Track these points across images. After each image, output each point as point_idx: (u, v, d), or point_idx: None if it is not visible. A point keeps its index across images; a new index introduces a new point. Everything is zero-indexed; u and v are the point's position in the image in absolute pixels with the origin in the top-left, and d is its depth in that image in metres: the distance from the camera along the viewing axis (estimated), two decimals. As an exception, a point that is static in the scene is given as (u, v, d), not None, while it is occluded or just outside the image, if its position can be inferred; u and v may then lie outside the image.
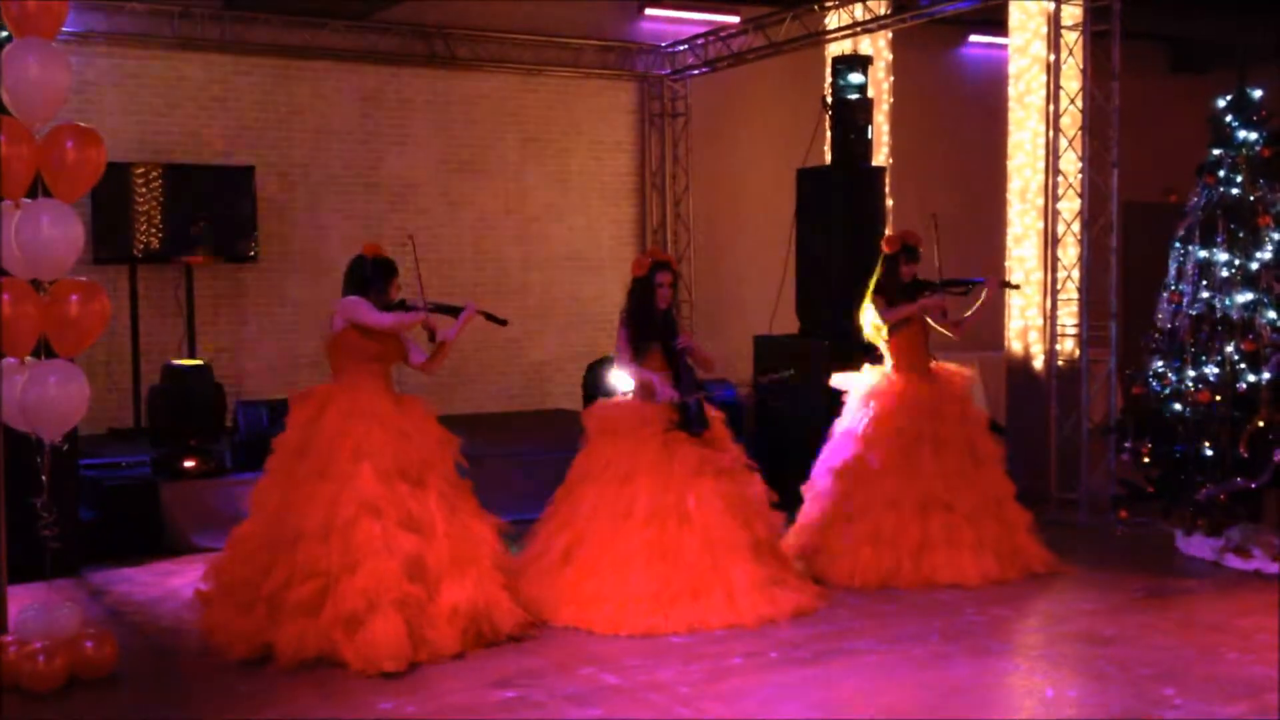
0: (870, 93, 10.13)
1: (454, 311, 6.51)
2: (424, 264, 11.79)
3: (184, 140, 11.07)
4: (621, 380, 6.93)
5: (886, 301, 7.58)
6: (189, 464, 8.63)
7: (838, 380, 7.95)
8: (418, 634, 5.85)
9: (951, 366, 7.86)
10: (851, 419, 7.68)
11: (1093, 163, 9.21)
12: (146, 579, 7.65)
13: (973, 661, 5.99)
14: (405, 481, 6.05)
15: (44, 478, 5.81)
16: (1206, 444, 7.89)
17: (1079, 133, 9.20)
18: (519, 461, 9.53)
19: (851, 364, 8.00)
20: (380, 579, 5.82)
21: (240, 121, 11.33)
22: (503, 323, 6.74)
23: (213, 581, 6.29)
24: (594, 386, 9.94)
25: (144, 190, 10.48)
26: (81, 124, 5.98)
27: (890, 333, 7.62)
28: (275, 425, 7.00)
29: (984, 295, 7.72)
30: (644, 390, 6.78)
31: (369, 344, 6.27)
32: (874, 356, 7.78)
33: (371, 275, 6.37)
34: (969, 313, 7.76)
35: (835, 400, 7.88)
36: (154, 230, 10.54)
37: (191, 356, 10.55)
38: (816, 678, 5.74)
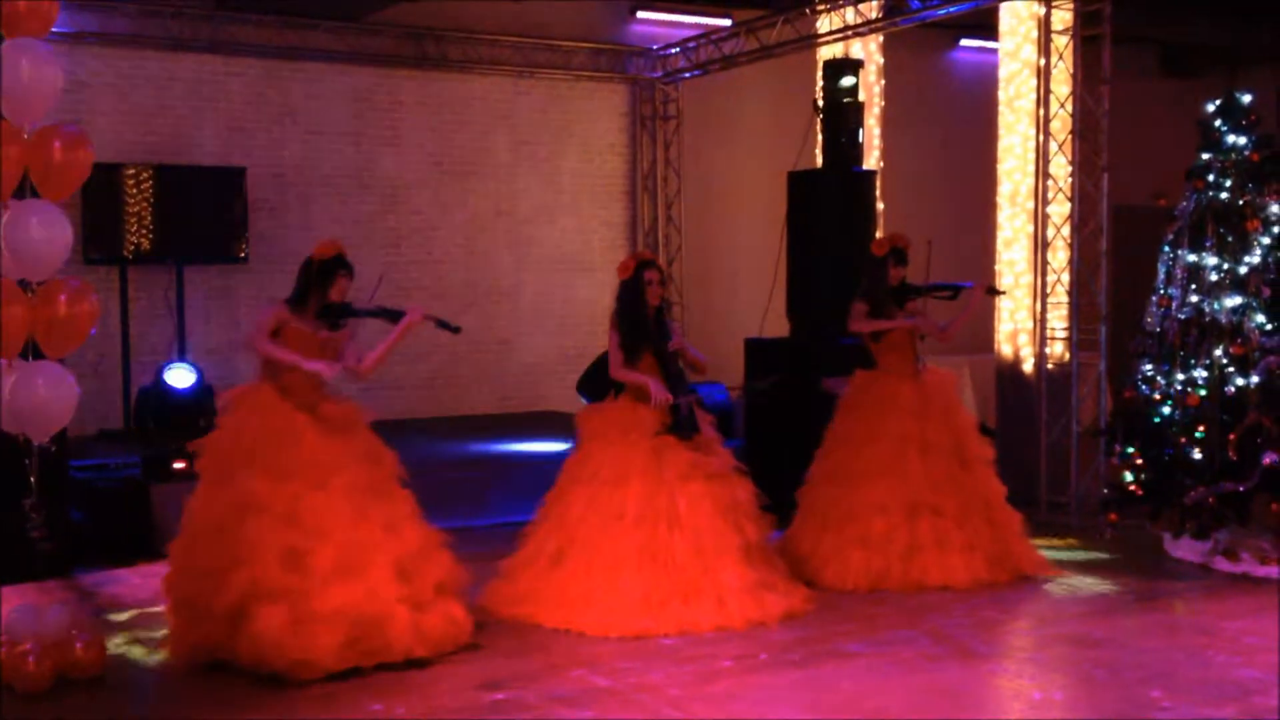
0: (861, 96, 10.15)
1: (396, 316, 6.22)
2: (415, 265, 12.05)
3: (175, 141, 11.06)
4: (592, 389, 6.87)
5: (871, 305, 7.59)
6: (179, 465, 8.62)
7: (828, 384, 7.99)
8: (302, 633, 5.66)
9: (939, 369, 7.87)
10: (840, 423, 7.70)
11: (1083, 167, 9.23)
12: (136, 580, 7.63)
13: (962, 664, 6.01)
14: (301, 481, 5.90)
15: (33, 479, 5.80)
16: (1195, 447, 7.91)
17: (1069, 137, 9.22)
18: (510, 463, 9.54)
19: (843, 367, 8.01)
20: (261, 571, 5.72)
21: (232, 122, 11.33)
22: (455, 330, 6.33)
23: (168, 597, 6.23)
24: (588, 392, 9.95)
25: (135, 191, 10.47)
26: (70, 124, 5.98)
27: (876, 336, 7.64)
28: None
29: (970, 300, 7.73)
30: (637, 392, 6.79)
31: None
32: (864, 360, 7.80)
33: (314, 277, 6.21)
34: (953, 319, 7.75)
35: (826, 403, 7.89)
36: (144, 231, 10.54)
37: (182, 357, 10.55)
38: (806, 680, 5.75)
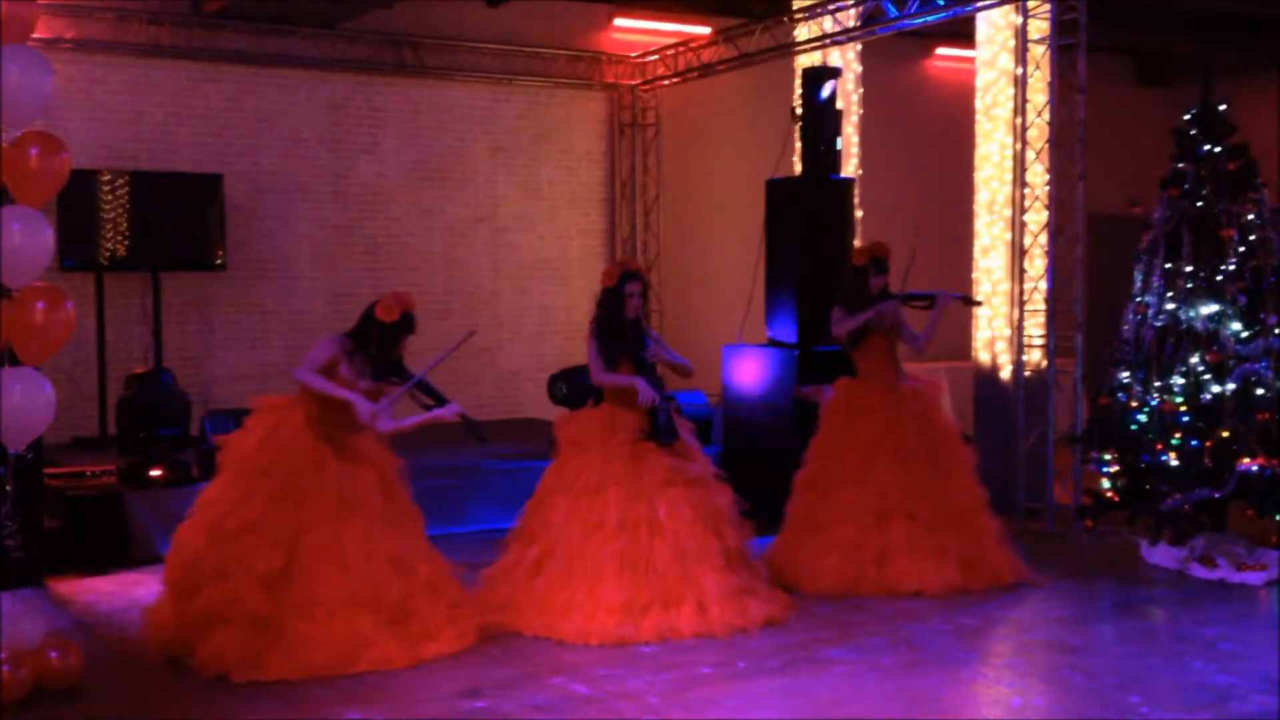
0: (839, 104, 10.17)
1: (438, 404, 6.34)
2: (393, 273, 12.03)
3: (151, 147, 11.01)
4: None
5: (847, 312, 7.62)
6: (155, 473, 8.57)
7: (804, 392, 8.01)
8: (267, 654, 5.81)
9: (922, 377, 7.90)
10: (820, 431, 7.72)
11: (1059, 175, 9.28)
12: (111, 589, 7.58)
13: (940, 670, 6.02)
14: (313, 510, 6.01)
15: (7, 487, 5.76)
16: (1171, 454, 7.95)
17: (1046, 145, 9.27)
18: (489, 471, 9.51)
19: (820, 374, 8.03)
20: (238, 590, 5.88)
21: (208, 129, 11.27)
22: (481, 438, 6.35)
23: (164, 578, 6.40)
24: (565, 394, 9.93)
25: (111, 198, 10.41)
26: (46, 130, 5.94)
27: (854, 344, 7.67)
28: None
29: (944, 310, 7.75)
30: (617, 399, 6.78)
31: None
32: (846, 369, 7.82)
33: (379, 337, 6.25)
34: (927, 330, 7.77)
35: (804, 410, 7.90)
36: (120, 238, 10.48)
37: (158, 364, 10.49)
38: (785, 687, 5.76)
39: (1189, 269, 8.11)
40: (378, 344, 6.25)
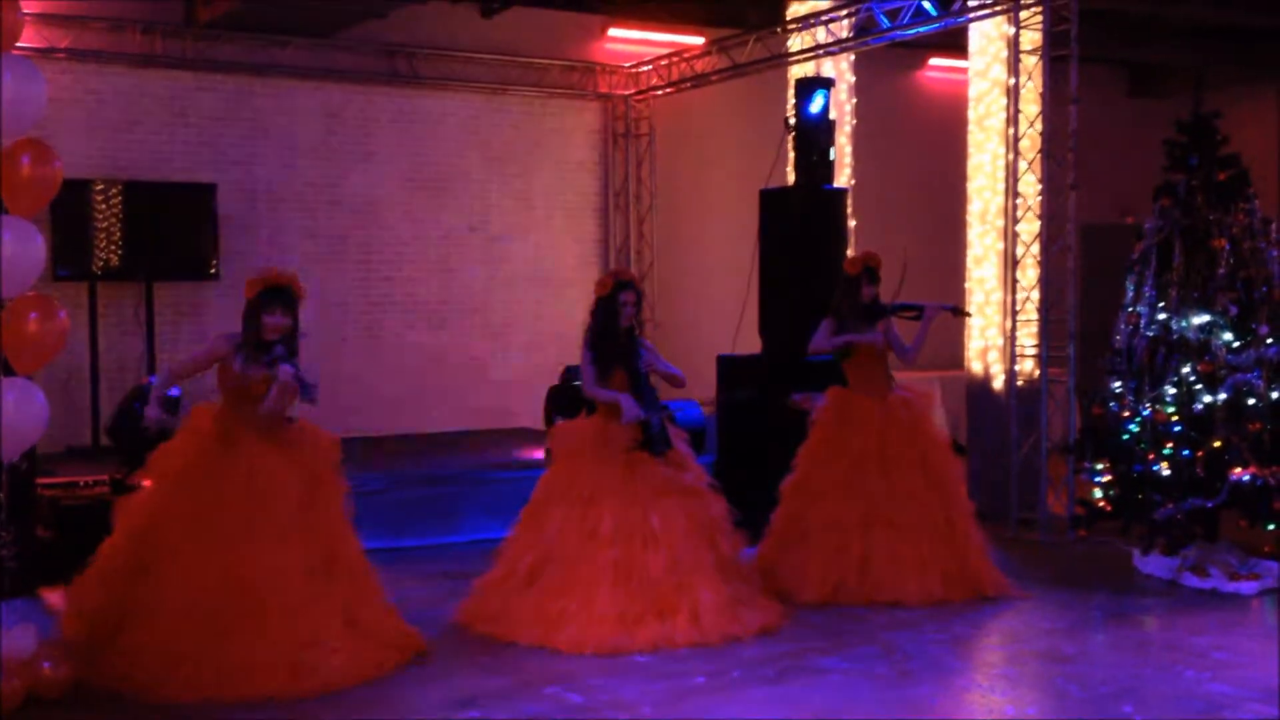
0: (832, 114, 10.20)
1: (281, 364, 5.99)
2: (387, 282, 12.04)
3: (145, 157, 11.01)
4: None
5: (840, 323, 7.63)
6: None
7: (797, 400, 8.04)
8: (100, 660, 5.82)
9: (914, 387, 7.91)
10: (809, 440, 7.74)
11: (1051, 185, 9.30)
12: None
13: (934, 680, 6.03)
14: (164, 508, 5.98)
15: (0, 497, 5.76)
16: (1163, 464, 7.97)
17: (1038, 155, 9.29)
18: (484, 481, 9.52)
19: (813, 383, 8.05)
20: (80, 593, 6.08)
21: (202, 138, 11.29)
22: (311, 400, 5.96)
23: None
24: (556, 407, 9.95)
25: (104, 207, 10.42)
26: (39, 140, 5.94)
27: (845, 354, 7.69)
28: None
29: (932, 321, 7.78)
30: (610, 410, 6.79)
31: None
32: (838, 378, 7.83)
33: (245, 318, 6.08)
34: (915, 342, 7.79)
35: (797, 419, 7.91)
36: (114, 247, 10.48)
37: (151, 374, 10.48)
38: (780, 697, 5.76)
39: (1181, 279, 8.13)
40: (247, 324, 6.06)
